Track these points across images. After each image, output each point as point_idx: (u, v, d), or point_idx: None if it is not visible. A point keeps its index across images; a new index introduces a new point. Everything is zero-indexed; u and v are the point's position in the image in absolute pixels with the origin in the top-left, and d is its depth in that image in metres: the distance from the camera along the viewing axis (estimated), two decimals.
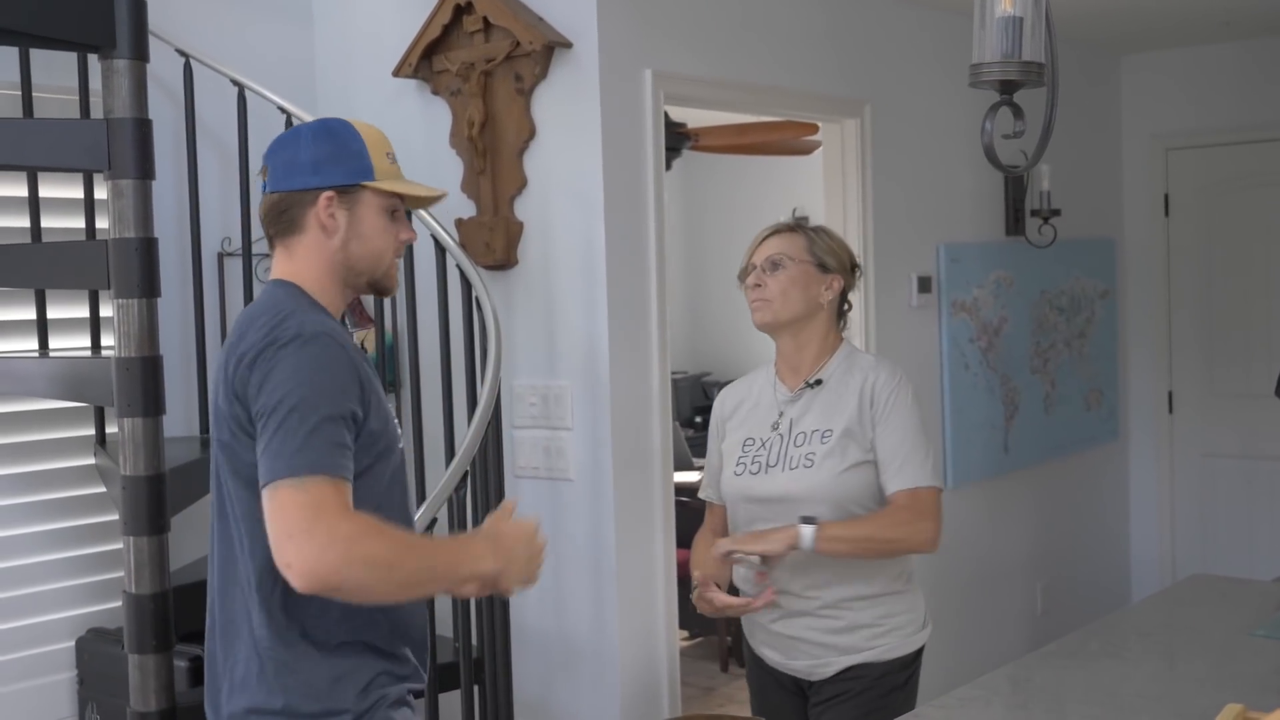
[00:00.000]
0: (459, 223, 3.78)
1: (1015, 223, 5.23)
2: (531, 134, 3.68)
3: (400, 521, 2.08)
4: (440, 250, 3.40)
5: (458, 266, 3.33)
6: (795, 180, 7.03)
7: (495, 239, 3.71)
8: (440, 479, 3.00)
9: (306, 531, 1.85)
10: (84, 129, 3.06)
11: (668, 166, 6.14)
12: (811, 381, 2.78)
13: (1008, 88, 2.15)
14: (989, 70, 2.14)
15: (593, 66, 3.57)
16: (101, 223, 3.48)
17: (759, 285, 2.78)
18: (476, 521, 3.13)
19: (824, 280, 2.80)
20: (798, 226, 2.85)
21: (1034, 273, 5.32)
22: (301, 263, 2.13)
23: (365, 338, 3.93)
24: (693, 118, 5.95)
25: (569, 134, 3.63)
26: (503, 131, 3.72)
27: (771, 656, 2.81)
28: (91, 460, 3.68)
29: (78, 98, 3.54)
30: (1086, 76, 5.76)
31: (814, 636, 2.73)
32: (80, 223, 3.64)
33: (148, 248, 2.91)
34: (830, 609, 2.71)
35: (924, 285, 4.76)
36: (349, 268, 2.12)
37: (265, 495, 1.90)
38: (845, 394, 2.74)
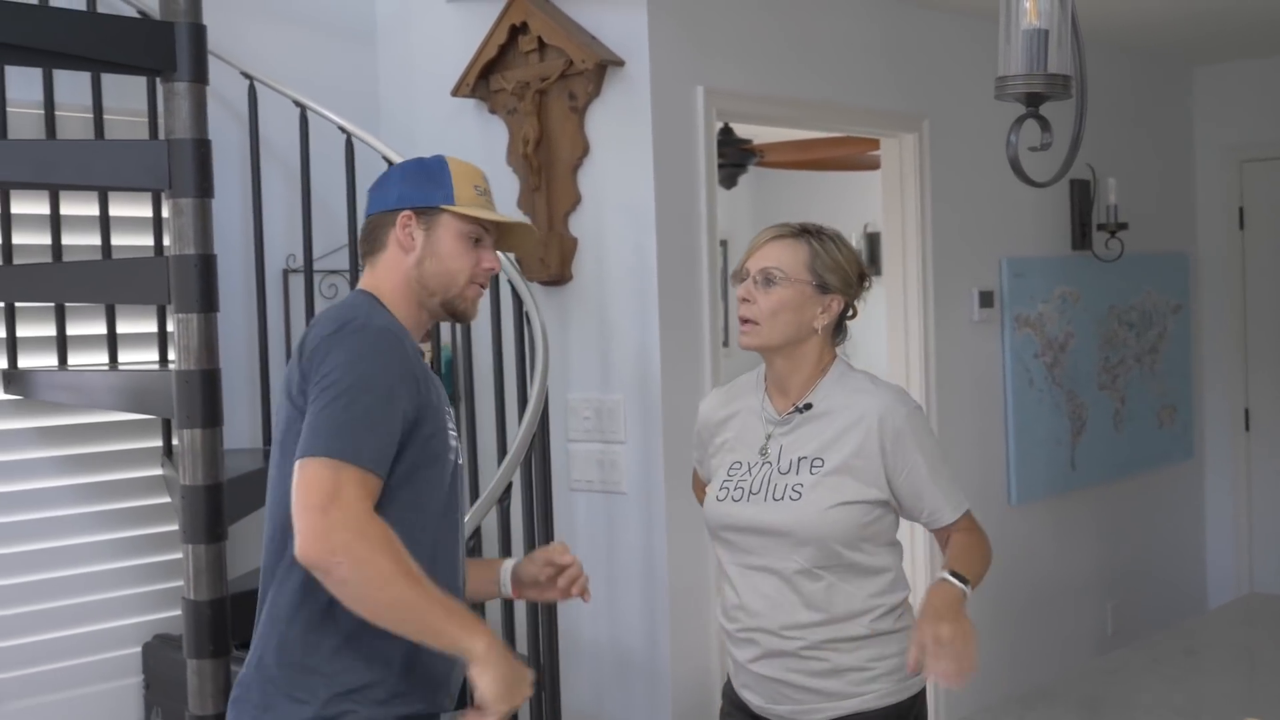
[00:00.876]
0: None
1: (1082, 237, 5.19)
2: (585, 151, 3.75)
3: (437, 532, 2.09)
4: None
5: (509, 282, 3.40)
6: (865, 196, 7.00)
7: (550, 255, 3.78)
8: (488, 486, 3.06)
9: (321, 508, 1.90)
10: (146, 150, 3.15)
11: (733, 183, 6.24)
12: (801, 406, 2.52)
13: (1033, 100, 2.16)
14: (1013, 83, 2.15)
15: (644, 84, 3.63)
16: (165, 239, 3.57)
17: (747, 300, 2.50)
18: (526, 533, 3.20)
19: (821, 302, 2.50)
20: (804, 233, 2.54)
21: (1101, 287, 5.28)
22: (381, 276, 2.21)
23: (425, 352, 4.00)
24: (758, 134, 5.99)
25: (622, 151, 3.69)
26: (557, 149, 3.79)
27: (753, 700, 2.55)
28: (159, 471, 3.80)
29: (147, 120, 3.66)
30: (1157, 88, 5.71)
31: (796, 680, 2.47)
32: (150, 240, 3.77)
33: (206, 264, 2.96)
34: (812, 650, 2.45)
35: (986, 300, 4.74)
36: (423, 285, 2.18)
37: (297, 468, 1.94)
38: (843, 422, 2.48)
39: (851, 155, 5.62)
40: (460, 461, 2.20)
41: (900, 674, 2.46)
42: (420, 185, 2.20)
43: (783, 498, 2.46)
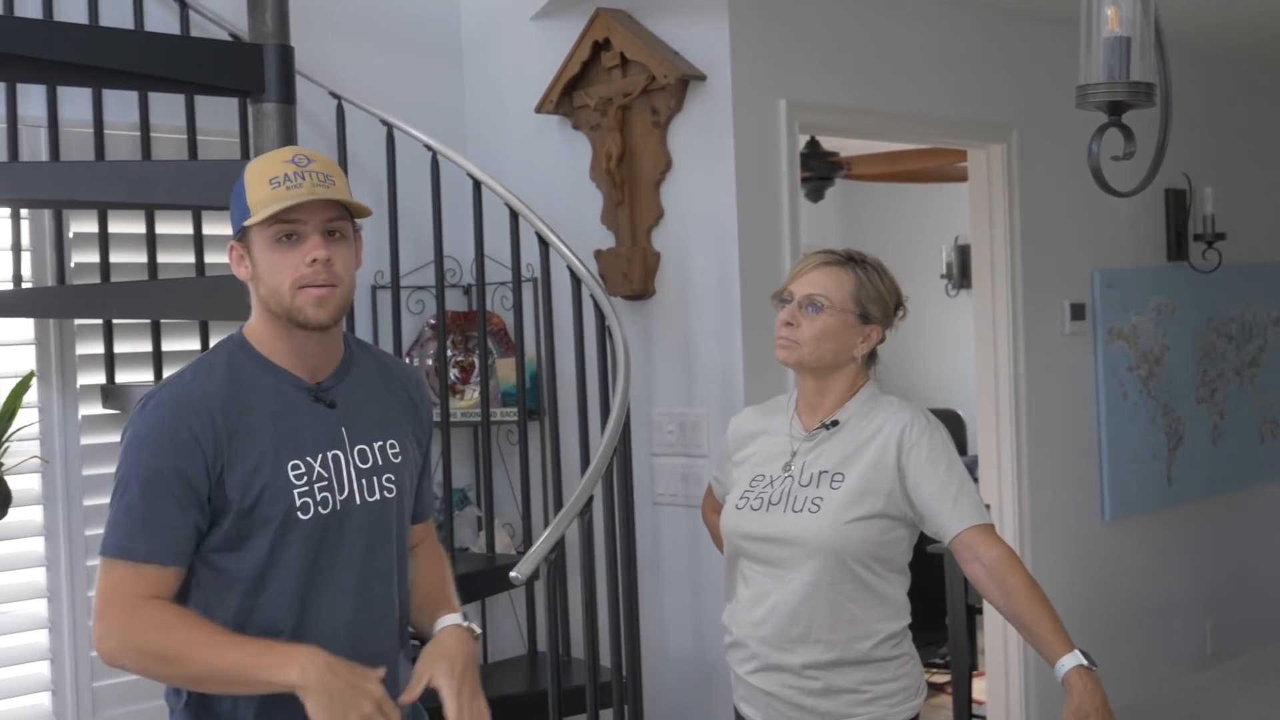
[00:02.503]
0: (598, 254, 3.88)
1: (1177, 247, 5.10)
2: (668, 166, 3.77)
3: (304, 594, 2.02)
4: (576, 281, 3.51)
5: (592, 297, 3.43)
6: (955, 207, 6.94)
7: (633, 269, 3.81)
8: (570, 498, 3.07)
9: (99, 614, 1.97)
10: (237, 170, 3.23)
11: (820, 195, 6.24)
12: (828, 423, 2.56)
13: (1115, 109, 2.15)
14: (1095, 92, 2.14)
15: (726, 98, 3.64)
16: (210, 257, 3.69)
17: (790, 324, 2.55)
18: (608, 546, 3.22)
19: (862, 332, 2.56)
20: (849, 261, 2.58)
21: (1198, 299, 5.18)
22: (253, 313, 2.11)
23: (509, 367, 4.05)
24: (846, 146, 5.98)
25: (704, 165, 3.71)
26: (640, 164, 3.81)
27: (751, 715, 2.58)
28: None
29: (239, 140, 3.74)
30: (1257, 94, 5.59)
31: (791, 696, 2.50)
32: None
33: None
34: (811, 668, 2.48)
35: (1077, 312, 4.68)
36: (269, 310, 2.05)
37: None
38: (863, 438, 2.53)
39: (940, 166, 5.58)
40: (353, 502, 2.06)
41: (895, 698, 2.49)
42: (233, 209, 2.07)
43: (802, 509, 2.50)
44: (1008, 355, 4.45)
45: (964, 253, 6.82)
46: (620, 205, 3.85)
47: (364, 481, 2.10)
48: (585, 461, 3.44)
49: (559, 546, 3.00)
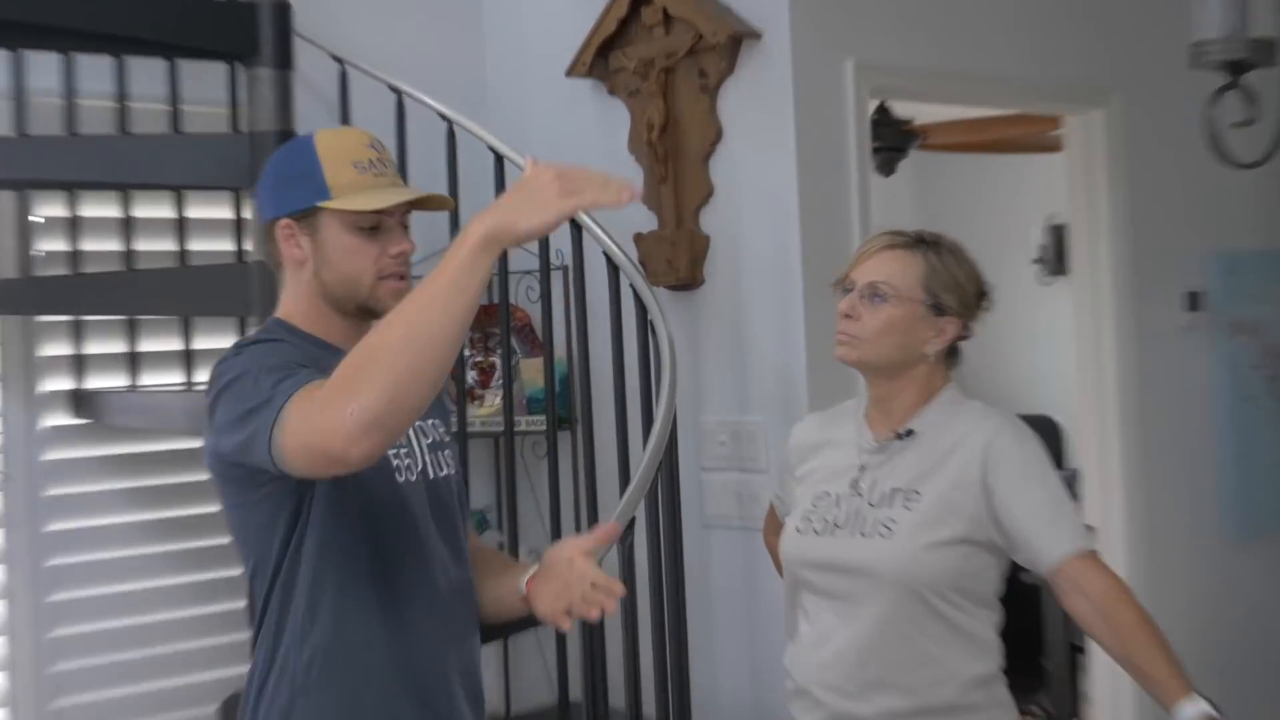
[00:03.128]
0: (638, 238, 3.91)
1: None
2: (718, 136, 3.80)
3: (404, 562, 2.20)
4: (613, 269, 3.50)
5: (632, 287, 3.44)
6: (1048, 182, 6.88)
7: (678, 255, 3.84)
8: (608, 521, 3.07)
9: (290, 430, 1.94)
10: (225, 144, 3.30)
11: (891, 169, 6.25)
12: (902, 432, 2.56)
13: (1235, 69, 2.16)
14: (1210, 49, 2.16)
15: (785, 59, 3.66)
16: (248, 244, 3.74)
17: (850, 316, 2.55)
18: (653, 574, 3.23)
19: (935, 325, 2.55)
20: (920, 244, 2.57)
21: None
22: (289, 295, 2.26)
23: (535, 368, 4.07)
24: (921, 113, 6.00)
25: (760, 135, 3.73)
26: (686, 134, 3.84)
27: None
28: None
29: (228, 111, 3.79)
30: None
31: None
32: (231, 245, 3.88)
33: None
34: (886, 718, 2.47)
35: (1192, 302, 4.68)
36: (331, 296, 2.22)
37: (238, 444, 2.02)
38: (943, 450, 2.52)
39: (1030, 135, 5.60)
40: (427, 477, 2.26)
41: None
42: (291, 183, 2.20)
43: (872, 533, 2.49)
44: (1112, 352, 4.45)
45: (1059, 234, 6.81)
46: (663, 182, 3.87)
47: (432, 456, 2.30)
48: (625, 478, 3.46)
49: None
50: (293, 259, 2.22)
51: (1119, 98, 4.45)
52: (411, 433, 2.25)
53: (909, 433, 2.56)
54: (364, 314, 2.21)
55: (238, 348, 2.16)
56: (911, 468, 2.53)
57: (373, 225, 2.20)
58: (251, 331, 2.32)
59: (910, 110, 5.77)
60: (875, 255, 2.58)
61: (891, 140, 5.78)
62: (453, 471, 2.35)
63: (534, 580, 2.31)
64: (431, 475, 2.28)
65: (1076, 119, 4.47)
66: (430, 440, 2.31)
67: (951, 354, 2.62)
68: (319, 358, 2.12)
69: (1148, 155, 4.54)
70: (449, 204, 2.33)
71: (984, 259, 2.74)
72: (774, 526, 2.88)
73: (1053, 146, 5.75)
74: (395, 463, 2.21)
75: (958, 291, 2.56)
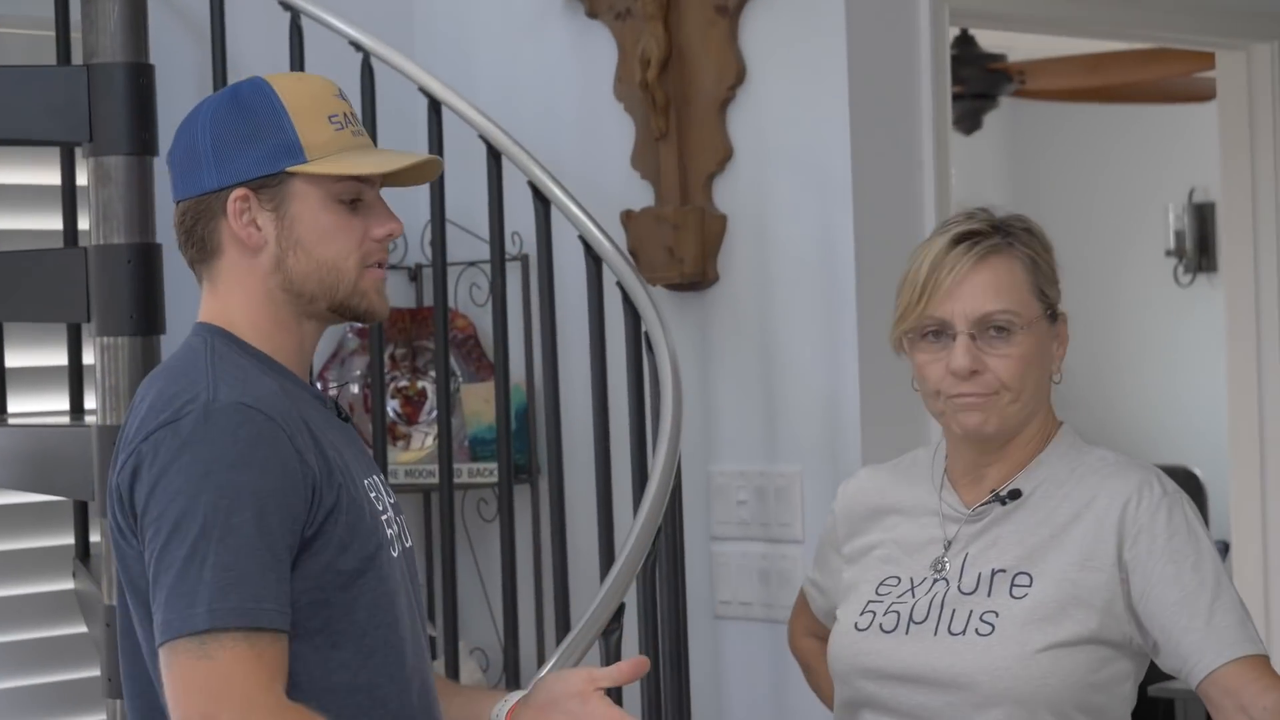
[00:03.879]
0: (627, 217, 3.90)
1: None
2: (739, 77, 3.79)
3: (396, 656, 2.23)
4: (594, 260, 3.52)
5: (619, 285, 3.44)
6: (1192, 145, 6.98)
7: (683, 242, 3.81)
8: (586, 609, 3.08)
9: (210, 718, 2.01)
10: (54, 81, 3.25)
11: (975, 124, 6.23)
12: (1004, 494, 2.55)
13: None
14: None
15: None
16: (82, 223, 3.65)
17: (976, 372, 2.50)
18: (648, 689, 3.19)
19: (1055, 333, 2.57)
20: (1000, 231, 2.55)
21: None
22: (226, 295, 2.26)
23: (481, 398, 4.07)
24: (1017, 46, 6.01)
25: (797, 76, 3.72)
26: (695, 74, 3.82)
27: None
28: (69, 584, 3.87)
29: (54, 35, 3.73)
30: None
31: None
32: (54, 223, 3.84)
33: (145, 259, 3.09)
34: None
35: None
36: (296, 293, 2.23)
37: (161, 655, 2.06)
38: (1063, 516, 2.52)
39: (1166, 79, 5.60)
40: (409, 544, 2.33)
41: None
42: (248, 139, 2.21)
43: (964, 631, 2.49)
44: (1277, 361, 4.48)
45: (1204, 216, 6.83)
46: (663, 139, 3.86)
47: (399, 520, 2.33)
48: (607, 549, 3.46)
49: None
50: (246, 242, 2.22)
51: None
52: (383, 488, 2.31)
53: (1014, 494, 2.55)
54: (339, 314, 2.26)
55: (202, 421, 2.11)
56: (1019, 542, 2.52)
57: (354, 197, 2.23)
58: (175, 352, 2.26)
59: (1003, 42, 5.79)
60: (971, 274, 2.52)
61: (976, 84, 5.77)
62: (409, 544, 2.38)
63: (518, 715, 2.33)
64: (399, 548, 2.31)
65: (1234, 55, 4.49)
66: (394, 501, 2.34)
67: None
68: (288, 410, 2.15)
69: None
70: (436, 172, 2.37)
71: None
72: (805, 624, 2.88)
73: (1198, 96, 5.80)
74: (388, 531, 2.25)
75: (1056, 280, 2.60)
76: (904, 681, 2.52)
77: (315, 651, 2.14)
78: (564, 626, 3.51)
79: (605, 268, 3.49)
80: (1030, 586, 2.49)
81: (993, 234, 2.55)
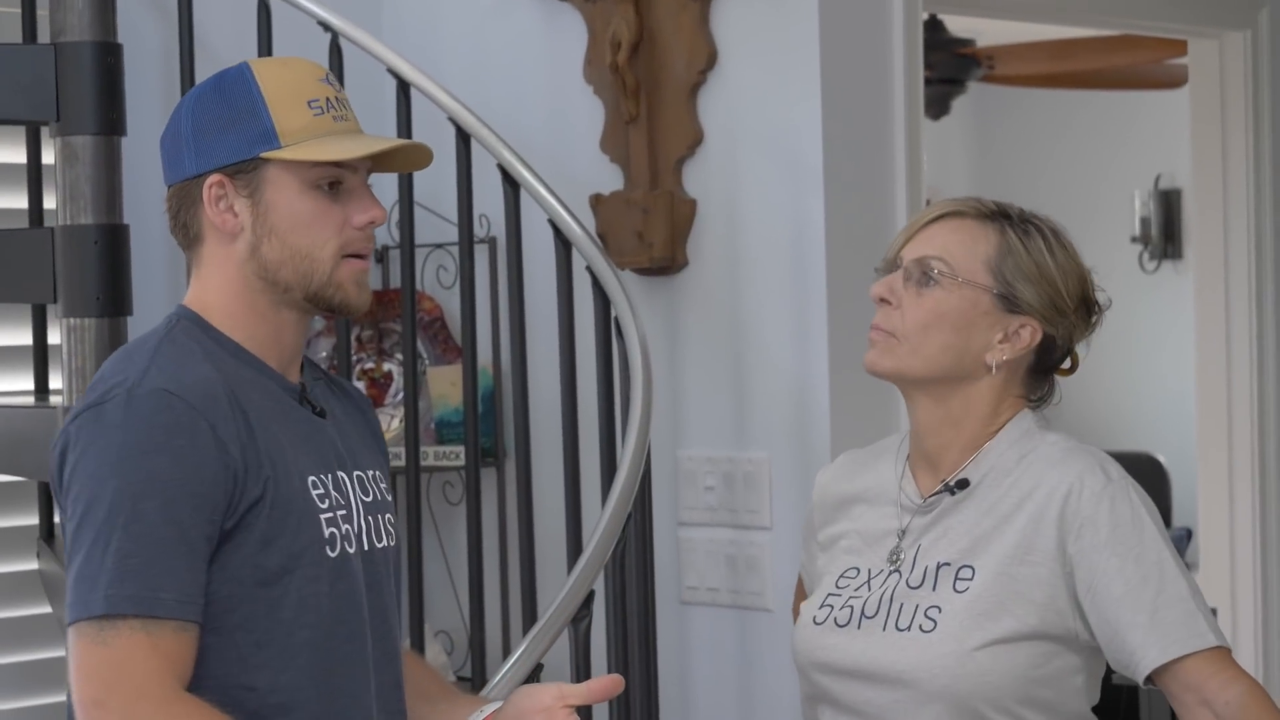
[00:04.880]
0: (596, 201, 3.88)
1: None
2: (710, 61, 3.77)
3: (324, 660, 2.22)
4: (564, 244, 3.50)
5: (589, 270, 3.42)
6: (1155, 129, 7.06)
7: (652, 226, 3.79)
8: (551, 593, 3.09)
9: (100, 704, 2.04)
10: (20, 59, 3.23)
11: (946, 109, 6.24)
12: (953, 484, 2.53)
13: None
14: None
15: None
16: (49, 203, 3.64)
17: (887, 301, 2.53)
18: (610, 664, 3.22)
19: (1002, 324, 2.51)
20: (999, 216, 2.54)
21: None
22: (208, 281, 2.27)
23: (448, 380, 4.08)
24: (986, 31, 6.01)
25: (768, 61, 3.71)
26: (666, 56, 3.81)
27: None
28: (33, 563, 3.85)
29: (20, 12, 3.70)
30: None
31: None
32: (20, 202, 3.82)
33: (113, 239, 3.08)
34: None
35: None
36: (271, 281, 2.23)
37: (68, 636, 2.09)
38: (1007, 506, 2.51)
39: (1137, 65, 5.62)
40: (373, 545, 2.31)
41: None
42: (222, 127, 2.22)
43: (909, 627, 2.48)
44: (1247, 353, 4.47)
45: (1171, 202, 6.85)
46: (633, 123, 3.84)
47: (370, 519, 2.32)
48: (574, 540, 3.46)
49: (538, 671, 3.00)
50: (222, 228, 2.22)
51: (1268, 15, 4.46)
52: (350, 485, 2.30)
53: (962, 484, 2.53)
54: (315, 304, 2.26)
55: (121, 405, 2.12)
56: (965, 533, 2.51)
57: (333, 180, 2.23)
58: (143, 335, 2.26)
59: (971, 27, 5.79)
60: (933, 225, 2.56)
61: (945, 69, 5.79)
62: (392, 542, 2.40)
63: None
64: (366, 546, 2.31)
65: (1207, 43, 4.49)
66: (371, 499, 2.34)
67: (1038, 382, 2.59)
68: (234, 391, 2.16)
69: None
70: (426, 160, 2.40)
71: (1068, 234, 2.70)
72: (802, 600, 2.85)
73: (1168, 83, 5.82)
74: (328, 532, 2.23)
75: (1042, 285, 2.52)
76: (855, 677, 2.51)
77: (234, 648, 2.16)
78: (530, 610, 3.53)
79: (575, 252, 3.48)
80: (971, 580, 2.47)
81: (986, 210, 2.56)
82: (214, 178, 2.21)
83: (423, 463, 3.90)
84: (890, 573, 2.54)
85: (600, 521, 3.14)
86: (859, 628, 2.52)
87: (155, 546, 2.06)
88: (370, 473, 2.37)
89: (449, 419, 4.08)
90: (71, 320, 3.11)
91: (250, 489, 2.13)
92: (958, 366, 2.52)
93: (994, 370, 2.52)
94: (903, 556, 2.54)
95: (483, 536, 3.76)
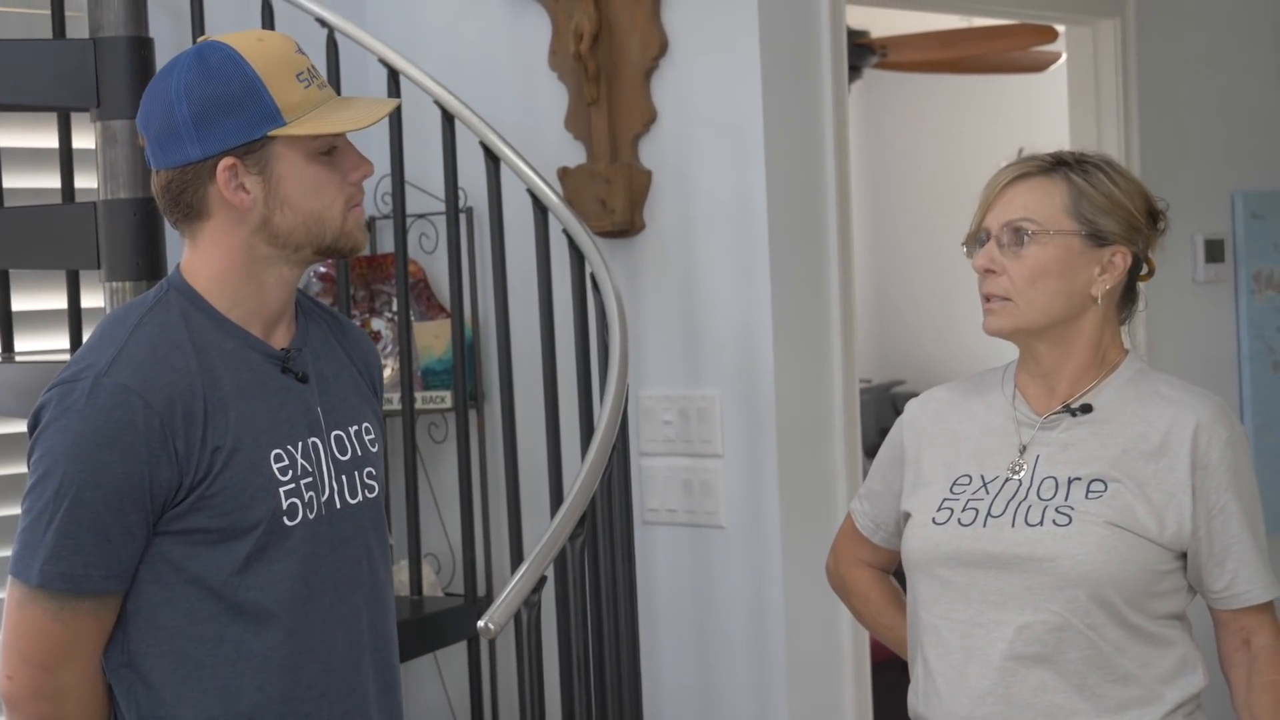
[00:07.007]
0: (563, 173, 3.99)
1: None
2: (662, 48, 3.90)
3: (266, 613, 2.26)
4: (541, 210, 3.61)
5: (565, 233, 3.55)
6: (1026, 109, 7.11)
7: (613, 195, 3.93)
8: (545, 530, 3.13)
9: (14, 666, 2.19)
10: (63, 53, 3.30)
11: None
12: (1075, 406, 2.53)
13: None
14: None
15: None
16: (87, 181, 3.61)
17: (991, 271, 2.51)
18: (594, 584, 3.30)
19: (1099, 257, 2.50)
20: (1059, 165, 2.52)
21: None
22: (207, 251, 2.28)
23: (431, 334, 4.17)
24: (878, 21, 6.03)
25: (714, 47, 3.83)
26: (622, 45, 3.93)
27: None
28: None
29: (49, 14, 3.76)
30: None
31: None
32: (55, 182, 3.85)
33: (148, 212, 3.13)
34: None
35: (1213, 252, 4.86)
36: (283, 245, 2.26)
37: (8, 580, 2.19)
38: (1133, 435, 2.49)
39: (1016, 51, 5.76)
40: (345, 503, 2.34)
41: None
42: (227, 108, 2.20)
43: (1041, 522, 2.47)
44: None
45: None
46: (594, 104, 3.95)
47: (344, 479, 2.33)
48: (555, 471, 3.58)
49: (540, 585, 3.06)
50: (237, 206, 2.23)
51: (1134, 6, 4.56)
52: (323, 449, 2.32)
53: (1085, 408, 2.54)
54: (326, 255, 2.31)
55: (76, 389, 2.18)
56: (1093, 455, 2.50)
57: (329, 147, 2.26)
58: (134, 302, 2.34)
59: (866, 18, 5.82)
60: (1006, 191, 2.55)
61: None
62: (372, 494, 2.39)
63: None
64: (338, 505, 2.33)
65: (1080, 30, 4.57)
66: (348, 457, 2.35)
67: (1126, 299, 2.60)
68: (203, 377, 2.21)
69: (1164, 78, 4.68)
70: (393, 104, 2.44)
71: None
72: (855, 552, 2.83)
73: (1030, 67, 5.97)
74: (288, 503, 2.25)
75: (1119, 212, 2.53)
76: (983, 567, 2.50)
77: (185, 600, 2.21)
78: (515, 533, 3.64)
79: (551, 217, 3.58)
80: (1104, 492, 2.46)
81: (1044, 164, 2.55)
82: (226, 161, 2.20)
83: (415, 406, 3.93)
84: (1009, 480, 2.53)
85: (590, 451, 3.23)
86: (984, 526, 2.50)
87: (92, 530, 2.13)
88: (352, 429, 2.36)
89: (433, 368, 4.15)
90: (114, 284, 3.14)
91: (199, 467, 2.17)
92: (1069, 307, 2.51)
93: (1099, 301, 2.51)
94: (1024, 466, 2.53)
95: (469, 470, 3.81)
